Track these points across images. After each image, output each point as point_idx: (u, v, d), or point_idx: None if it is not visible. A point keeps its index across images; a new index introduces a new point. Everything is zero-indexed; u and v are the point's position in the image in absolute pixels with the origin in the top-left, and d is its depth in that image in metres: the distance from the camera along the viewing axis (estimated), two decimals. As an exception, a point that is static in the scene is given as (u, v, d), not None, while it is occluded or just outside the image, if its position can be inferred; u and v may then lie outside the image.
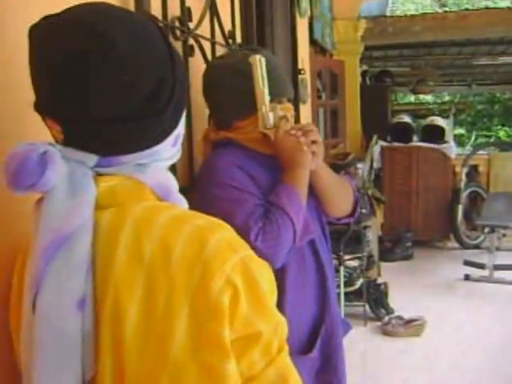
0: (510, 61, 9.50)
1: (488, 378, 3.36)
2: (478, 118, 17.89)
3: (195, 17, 1.85)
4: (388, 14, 8.93)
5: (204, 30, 1.95)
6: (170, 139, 0.86)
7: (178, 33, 1.72)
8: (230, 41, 2.21)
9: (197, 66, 1.92)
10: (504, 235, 6.26)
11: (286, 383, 0.82)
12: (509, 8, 6.81)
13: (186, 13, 1.77)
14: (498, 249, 5.90)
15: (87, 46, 0.75)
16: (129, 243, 0.77)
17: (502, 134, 17.22)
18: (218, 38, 2.10)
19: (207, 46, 1.98)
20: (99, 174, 0.80)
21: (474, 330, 3.49)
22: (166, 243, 0.76)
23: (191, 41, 1.83)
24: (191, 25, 1.82)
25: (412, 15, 7.50)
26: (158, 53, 0.82)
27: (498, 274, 5.37)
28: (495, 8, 7.06)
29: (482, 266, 5.50)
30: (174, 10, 1.72)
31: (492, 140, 15.85)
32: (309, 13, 4.38)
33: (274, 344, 0.81)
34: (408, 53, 9.01)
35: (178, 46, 1.75)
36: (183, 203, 0.89)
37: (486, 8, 7.30)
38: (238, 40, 2.34)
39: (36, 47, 0.79)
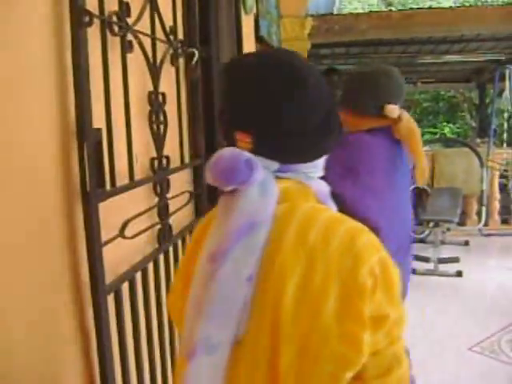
0: (454, 59, 9.73)
1: (432, 371, 3.43)
2: (424, 115, 18.27)
3: (135, 12, 1.82)
4: (335, 12, 9.02)
5: (144, 25, 1.92)
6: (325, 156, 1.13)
7: (115, 28, 1.68)
8: (172, 37, 2.18)
9: (136, 63, 1.89)
10: (448, 229, 6.42)
11: (400, 364, 1.02)
12: (451, 8, 6.97)
13: (124, 7, 1.74)
14: (442, 242, 6.05)
15: (286, 82, 1.03)
16: (297, 231, 1.00)
17: (446, 130, 17.65)
18: (159, 34, 2.07)
19: (147, 42, 1.95)
20: (276, 177, 1.05)
21: (419, 323, 3.56)
22: (326, 236, 0.99)
23: (130, 37, 1.80)
24: (130, 20, 1.79)
25: (358, 14, 7.63)
26: (326, 89, 1.09)
27: (443, 267, 5.50)
28: (438, 8, 7.21)
29: (426, 260, 5.63)
30: (112, 4, 1.69)
31: (437, 137, 16.22)
32: (254, 10, 4.38)
33: (395, 330, 1.02)
34: (355, 51, 9.11)
35: (115, 41, 1.72)
36: (333, 207, 1.15)
37: (430, 8, 7.45)
38: (180, 36, 2.32)
39: (244, 79, 1.06)
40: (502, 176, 7.14)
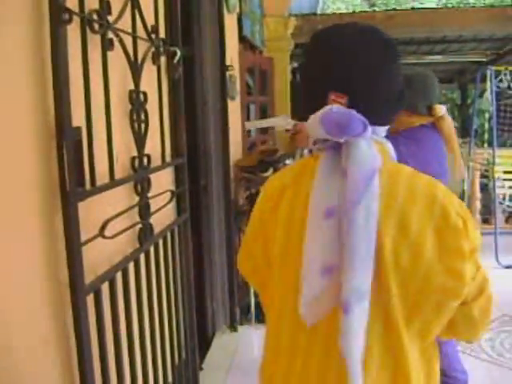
0: (436, 60, 9.79)
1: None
2: (407, 115, 18.33)
3: (115, 10, 1.80)
4: (318, 12, 9.03)
5: (125, 24, 1.91)
6: None
7: (95, 26, 1.67)
8: (153, 36, 2.17)
9: (117, 61, 1.88)
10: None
11: (488, 284, 1.20)
12: (433, 9, 7.01)
13: (105, 5, 1.72)
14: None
15: (385, 57, 1.18)
16: (387, 184, 1.12)
17: (429, 130, 17.74)
18: (141, 32, 2.06)
19: (128, 40, 1.94)
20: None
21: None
22: (411, 190, 1.12)
23: (111, 35, 1.79)
24: (111, 18, 1.78)
25: (341, 14, 7.65)
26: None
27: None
28: (420, 9, 7.25)
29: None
30: (92, 2, 1.68)
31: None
32: (237, 9, 4.37)
33: (478, 257, 1.17)
34: (338, 51, 9.12)
35: (96, 39, 1.70)
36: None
37: (412, 8, 7.49)
38: (162, 35, 2.30)
39: (348, 48, 1.18)
40: (482, 176, 7.18)
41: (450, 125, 2.54)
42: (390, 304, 1.11)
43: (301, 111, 1.28)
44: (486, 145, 7.54)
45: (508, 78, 6.40)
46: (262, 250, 1.28)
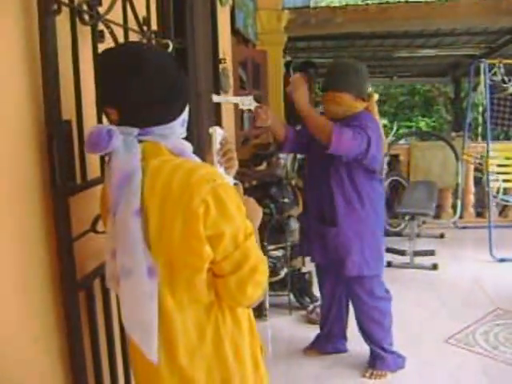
0: (430, 54, 9.79)
1: (408, 363, 3.44)
2: (400, 109, 18.40)
3: (106, 1, 1.77)
4: (312, 5, 9.00)
5: (116, 15, 1.88)
6: (179, 120, 1.42)
7: (85, 17, 1.64)
8: (145, 27, 2.14)
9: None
10: (424, 222, 6.46)
11: (247, 259, 1.36)
12: (427, 2, 6.98)
13: (95, -4, 1.69)
14: (418, 235, 6.09)
15: (125, 70, 1.32)
16: (150, 178, 1.31)
17: (422, 124, 17.79)
18: (132, 24, 2.03)
19: (119, 32, 1.91)
20: (140, 141, 1.35)
21: (394, 315, 3.56)
22: (169, 178, 1.30)
23: (101, 26, 1.76)
24: (101, 9, 1.75)
25: (334, 7, 7.61)
26: (169, 71, 1.38)
27: (418, 260, 5.53)
28: (414, 2, 7.23)
29: (403, 253, 5.65)
30: (82, -7, 1.64)
31: (413, 130, 16.35)
32: (230, 1, 4.34)
33: (239, 237, 1.34)
34: (331, 44, 9.11)
35: (86, 31, 1.68)
36: (194, 158, 1.44)
37: (406, 1, 7.46)
38: (154, 27, 2.28)
39: (103, 67, 1.37)
40: (476, 169, 7.18)
41: (377, 109, 3.23)
42: (158, 277, 1.32)
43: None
44: (479, 138, 7.55)
45: (502, 71, 6.40)
46: None
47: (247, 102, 2.83)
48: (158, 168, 1.33)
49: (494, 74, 6.38)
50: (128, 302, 1.34)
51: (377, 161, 3.15)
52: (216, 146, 1.53)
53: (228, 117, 4.24)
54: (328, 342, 3.66)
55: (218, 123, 3.58)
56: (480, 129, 7.40)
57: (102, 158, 1.77)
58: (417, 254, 5.60)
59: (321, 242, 3.26)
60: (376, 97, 3.28)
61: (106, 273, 1.40)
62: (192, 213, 1.28)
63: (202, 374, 1.37)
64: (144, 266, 1.30)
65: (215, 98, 2.86)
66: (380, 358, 3.39)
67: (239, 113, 4.84)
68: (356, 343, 3.61)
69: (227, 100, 3.40)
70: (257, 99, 3.65)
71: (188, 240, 1.30)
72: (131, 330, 1.35)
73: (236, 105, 2.92)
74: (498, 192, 6.49)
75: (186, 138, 1.49)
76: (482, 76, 6.33)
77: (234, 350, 1.42)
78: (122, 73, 1.32)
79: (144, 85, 1.34)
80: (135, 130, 1.34)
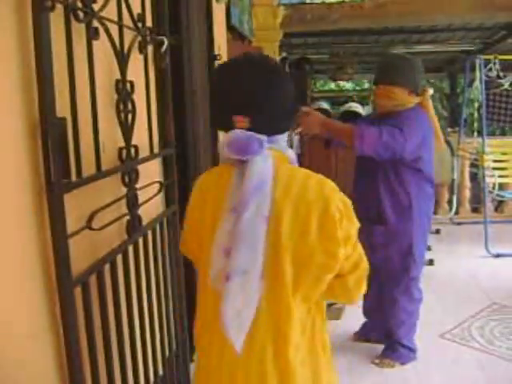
0: (426, 49, 9.79)
1: (404, 357, 3.46)
2: (396, 104, 18.32)
3: (101, -2, 1.77)
4: (308, 1, 8.99)
5: (110, 12, 1.88)
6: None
7: (80, 14, 1.63)
8: (140, 24, 2.14)
9: (103, 50, 1.85)
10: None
11: (362, 260, 1.56)
12: (423, -3, 6.98)
13: (90, -7, 1.69)
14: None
15: (272, 83, 1.48)
16: (284, 185, 1.45)
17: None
18: (127, 21, 2.03)
19: (114, 29, 1.91)
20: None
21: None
22: (303, 187, 1.45)
23: (96, 23, 1.75)
24: (96, 6, 1.74)
25: (330, 3, 7.58)
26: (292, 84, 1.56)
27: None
28: (410, -3, 7.23)
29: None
30: (76, -10, 1.64)
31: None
32: (226, -1, 4.33)
33: (354, 240, 1.50)
34: (327, 40, 9.10)
35: (80, 28, 1.67)
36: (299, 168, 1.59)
37: (402, -3, 7.47)
38: (149, 24, 2.27)
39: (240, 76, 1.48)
40: (472, 165, 7.19)
41: (431, 105, 3.18)
42: (283, 277, 1.43)
43: (217, 126, 1.67)
44: (475, 134, 7.56)
45: (497, 67, 6.41)
46: (196, 236, 1.60)
47: None
48: (291, 175, 1.48)
49: (490, 69, 6.38)
50: (235, 300, 1.40)
51: (422, 160, 3.09)
52: None
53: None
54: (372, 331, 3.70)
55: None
56: (476, 124, 7.41)
57: (98, 156, 1.77)
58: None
59: (366, 240, 3.19)
60: (431, 91, 3.21)
61: (213, 268, 1.44)
62: (329, 218, 1.42)
63: (299, 367, 1.48)
64: (260, 268, 1.40)
65: None
66: (395, 349, 3.41)
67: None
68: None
69: None
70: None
71: (324, 242, 1.43)
72: (229, 327, 1.40)
73: None
74: (493, 187, 6.51)
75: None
76: (478, 72, 6.33)
77: (322, 344, 1.56)
78: (263, 85, 1.46)
79: (281, 97, 1.49)
80: (265, 138, 1.45)
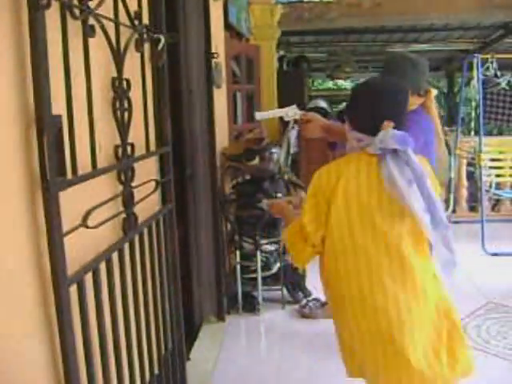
0: (423, 48, 9.80)
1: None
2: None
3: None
4: (305, -1, 8.97)
5: (107, 9, 1.87)
6: None
7: (76, 12, 1.63)
8: (136, 22, 2.13)
9: (99, 48, 1.85)
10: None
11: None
12: (420, -4, 6.98)
13: (86, -9, 1.68)
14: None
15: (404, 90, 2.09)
16: None
17: (416, 119, 17.75)
18: (123, 18, 2.02)
19: (111, 26, 1.90)
20: None
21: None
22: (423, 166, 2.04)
23: (92, 21, 1.75)
24: (92, 4, 1.74)
25: (328, 2, 7.56)
26: None
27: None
28: (408, -4, 7.23)
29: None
30: (72, -13, 1.63)
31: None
32: (223, -4, 4.33)
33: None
34: (325, 39, 9.11)
35: (76, 26, 1.67)
36: None
37: (399, -4, 7.47)
38: (146, 21, 2.27)
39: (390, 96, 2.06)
40: (469, 164, 7.20)
41: (434, 105, 3.23)
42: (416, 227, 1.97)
43: (366, 128, 2.03)
44: (472, 133, 7.56)
45: (494, 66, 6.41)
46: (324, 215, 1.98)
47: (291, 113, 2.76)
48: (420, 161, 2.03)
49: (487, 68, 6.39)
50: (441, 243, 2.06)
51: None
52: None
53: (220, 112, 4.23)
54: None
55: (211, 119, 3.57)
56: (473, 123, 7.41)
57: (94, 154, 1.77)
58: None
59: None
60: (434, 92, 3.25)
61: (422, 221, 1.92)
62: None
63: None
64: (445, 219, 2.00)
65: (258, 116, 2.80)
66: None
67: (232, 108, 4.83)
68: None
69: (269, 115, 3.23)
70: (250, 94, 3.66)
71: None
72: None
73: (281, 118, 2.82)
74: (490, 186, 6.51)
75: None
76: (475, 71, 6.34)
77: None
78: (402, 97, 2.05)
79: (406, 104, 2.08)
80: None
